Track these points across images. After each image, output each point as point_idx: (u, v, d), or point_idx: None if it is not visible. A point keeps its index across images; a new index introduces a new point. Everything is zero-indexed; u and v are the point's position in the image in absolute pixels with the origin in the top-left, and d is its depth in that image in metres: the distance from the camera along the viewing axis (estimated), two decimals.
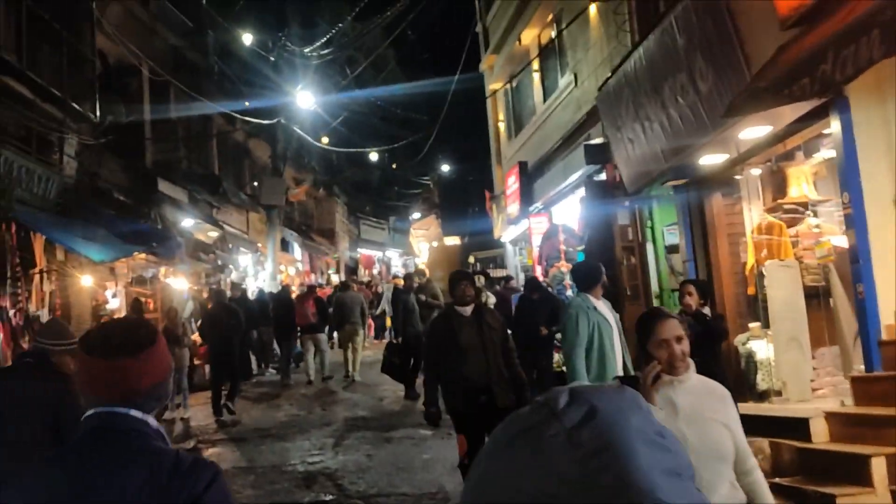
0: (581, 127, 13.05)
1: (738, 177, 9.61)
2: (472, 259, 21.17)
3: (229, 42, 23.49)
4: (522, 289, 13.42)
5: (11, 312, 12.47)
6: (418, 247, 27.77)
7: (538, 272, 15.33)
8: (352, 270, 37.34)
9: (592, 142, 12.23)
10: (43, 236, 12.72)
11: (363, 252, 39.82)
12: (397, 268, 42.18)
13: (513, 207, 15.93)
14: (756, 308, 9.62)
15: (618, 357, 6.16)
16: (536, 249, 15.04)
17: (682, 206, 10.04)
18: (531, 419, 0.88)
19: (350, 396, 12.96)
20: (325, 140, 30.06)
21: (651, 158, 9.14)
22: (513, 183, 15.77)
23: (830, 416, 6.91)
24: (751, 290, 9.68)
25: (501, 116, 18.39)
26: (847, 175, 6.95)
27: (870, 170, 6.86)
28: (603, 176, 12.18)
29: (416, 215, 32.87)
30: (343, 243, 36.10)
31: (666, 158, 8.80)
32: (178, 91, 20.71)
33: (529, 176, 15.41)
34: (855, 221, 6.90)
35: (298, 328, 15.97)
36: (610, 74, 10.05)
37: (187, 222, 18.77)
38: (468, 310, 6.20)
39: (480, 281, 21.65)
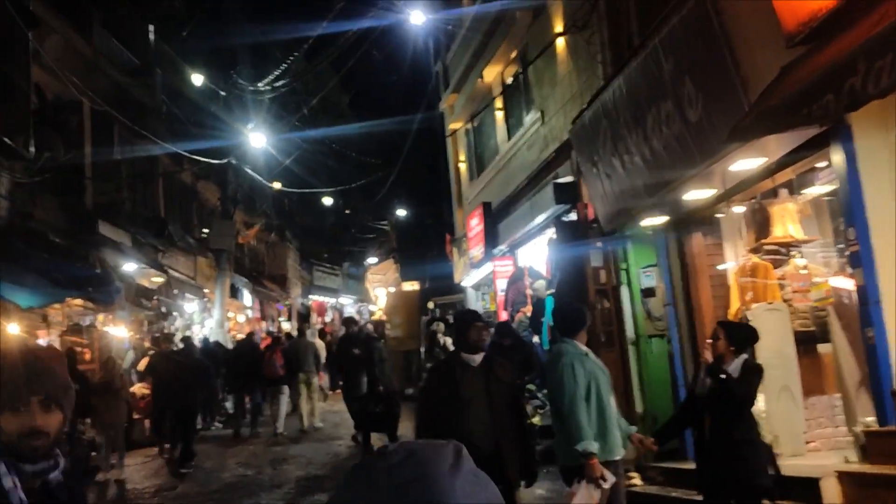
0: (548, 165, 12.48)
1: (719, 215, 9.06)
2: (431, 304, 20.34)
3: (177, 81, 22.66)
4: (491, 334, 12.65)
5: None
6: (374, 292, 26.85)
7: (503, 317, 14.61)
8: (304, 317, 36.23)
9: (562, 180, 11.65)
10: None
11: (315, 299, 38.75)
12: (352, 314, 41.15)
13: (476, 250, 15.25)
14: None
15: (614, 410, 5.43)
16: (501, 294, 14.34)
17: (661, 247, 9.44)
18: (363, 461, 0.99)
19: (303, 453, 11.99)
20: (277, 185, 29.26)
21: (631, 194, 8.53)
22: (476, 224, 15.12)
23: (844, 476, 6.22)
24: None
25: (462, 157, 17.81)
26: (852, 209, 6.37)
27: (876, 203, 6.30)
28: (573, 216, 11.56)
29: (373, 260, 32.04)
30: (296, 290, 35.03)
31: (648, 193, 8.19)
32: (122, 129, 19.75)
33: (493, 217, 14.77)
34: (862, 259, 6.30)
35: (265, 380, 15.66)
36: (585, 106, 9.48)
37: (129, 267, 17.67)
38: (477, 358, 5.20)
39: (440, 328, 20.87)
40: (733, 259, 9.27)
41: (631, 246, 10.49)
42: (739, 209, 8.82)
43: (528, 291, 13.96)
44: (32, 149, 14.40)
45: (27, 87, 14.46)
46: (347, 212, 38.57)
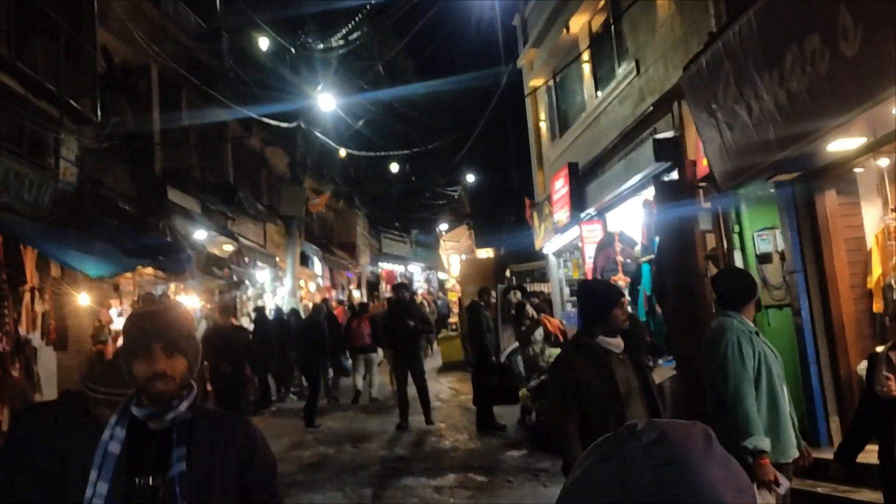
0: (645, 120, 11.40)
1: (858, 169, 7.95)
2: (508, 273, 19.46)
3: (245, 44, 22.07)
4: None
5: None
6: (448, 260, 26.07)
7: None
8: (373, 286, 35.81)
9: (662, 135, 10.58)
10: (35, 250, 11.20)
11: (384, 267, 38.25)
12: (420, 283, 40.62)
13: (560, 214, 14.27)
14: (883, 329, 7.95)
15: (787, 402, 4.48)
16: (589, 261, 13.38)
17: (785, 207, 8.34)
18: (611, 438, 0.95)
19: (385, 429, 11.29)
20: (343, 153, 28.63)
21: (759, 148, 7.45)
22: (560, 187, 14.13)
23: None
24: (877, 307, 8.00)
25: (543, 116, 16.77)
26: None
27: None
28: (675, 175, 10.52)
29: (444, 227, 31.25)
30: (364, 257, 34.52)
31: (781, 146, 7.10)
32: (190, 95, 19.27)
33: (580, 179, 13.75)
34: None
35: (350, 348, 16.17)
36: (702, 48, 8.38)
37: (200, 234, 17.21)
38: (620, 343, 4.11)
39: (517, 296, 20.03)
40: (873, 219, 8.17)
41: (745, 206, 9.43)
42: (884, 161, 7.69)
43: (619, 258, 12.98)
44: (99, 113, 13.92)
45: (93, 50, 13.93)
46: (414, 178, 37.82)
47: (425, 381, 11.97)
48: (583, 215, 13.67)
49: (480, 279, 20.59)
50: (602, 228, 13.46)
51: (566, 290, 16.38)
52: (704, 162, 9.59)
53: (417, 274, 41.84)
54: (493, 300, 12.99)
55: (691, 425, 0.96)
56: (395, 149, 30.80)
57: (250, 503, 2.35)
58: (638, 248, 12.78)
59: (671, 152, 10.41)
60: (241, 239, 19.34)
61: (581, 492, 0.93)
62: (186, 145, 18.54)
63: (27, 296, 11.19)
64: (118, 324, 14.48)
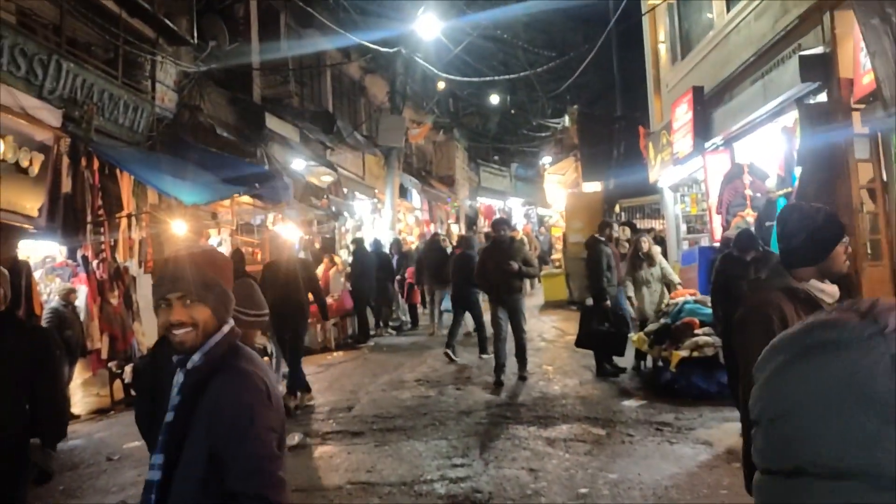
0: (787, 36, 10.07)
1: None
2: (618, 208, 18.34)
3: None
4: (724, 245, 10.70)
5: (95, 263, 10.71)
6: (552, 194, 24.94)
7: (715, 223, 12.53)
8: (472, 221, 35.11)
9: (809, 52, 9.27)
10: (131, 176, 10.85)
11: (483, 201, 37.44)
12: (520, 219, 39.69)
13: (682, 143, 13.05)
14: None
15: None
16: (713, 195, 12.22)
17: None
18: (848, 331, 0.90)
19: (490, 372, 10.58)
20: (442, 85, 27.71)
21: None
22: (684, 113, 12.89)
23: None
24: None
25: (662, 37, 15.40)
26: None
27: None
28: (823, 97, 9.23)
29: (548, 159, 30.04)
30: (463, 191, 33.78)
31: None
32: (288, 20, 18.66)
33: (705, 105, 12.49)
34: None
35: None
36: None
37: (298, 164, 16.76)
38: (835, 291, 3.03)
39: (626, 233, 18.92)
40: None
41: None
42: None
43: (748, 192, 11.78)
44: (196, 34, 13.42)
45: None
46: (513, 111, 36.58)
47: (524, 333, 10.30)
48: (707, 145, 12.43)
49: (587, 214, 19.53)
50: (729, 159, 12.22)
51: (682, 227, 15.22)
52: (866, 79, 8.32)
53: (517, 209, 40.90)
54: (615, 235, 11.76)
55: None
56: (496, 81, 29.65)
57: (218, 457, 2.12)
58: (771, 180, 11.55)
59: (819, 71, 9.13)
60: (340, 169, 18.81)
61: (815, 381, 0.89)
62: (285, 72, 17.95)
63: (124, 223, 10.89)
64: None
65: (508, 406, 8.61)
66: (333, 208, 16.87)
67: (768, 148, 11.44)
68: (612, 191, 19.48)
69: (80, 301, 10.94)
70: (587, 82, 26.50)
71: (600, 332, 10.22)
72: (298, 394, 9.15)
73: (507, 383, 9.82)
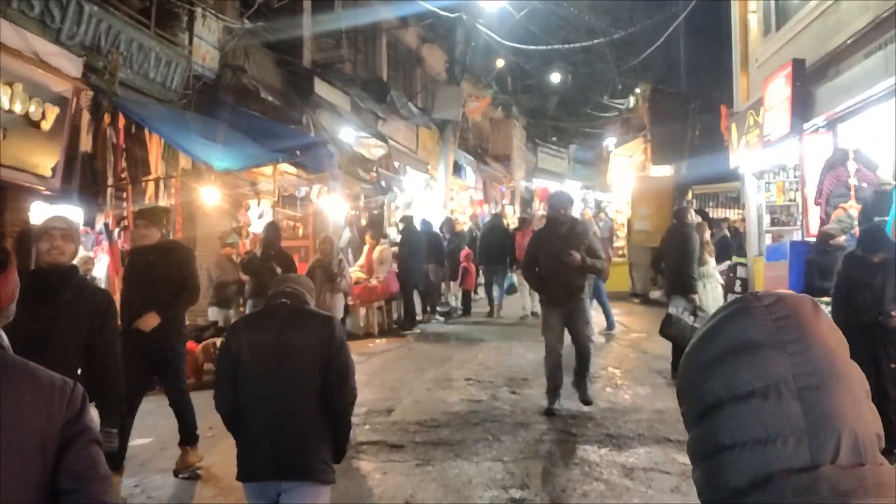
0: None
1: None
2: (690, 195, 16.86)
3: None
4: (823, 241, 9.26)
5: (116, 231, 9.72)
6: (618, 177, 23.31)
7: (811, 215, 11.06)
8: (527, 203, 33.75)
9: None
10: (161, 138, 9.80)
11: (539, 183, 35.99)
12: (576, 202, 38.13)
13: (776, 124, 11.55)
14: None
15: None
16: (813, 185, 10.74)
17: None
18: (737, 301, 1.15)
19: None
20: (501, 63, 26.32)
21: None
22: (780, 90, 11.38)
23: None
24: None
25: (753, 6, 13.85)
26: None
27: None
28: None
29: (612, 141, 28.50)
30: (519, 172, 32.39)
31: None
32: None
33: (805, 81, 11.00)
34: None
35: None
36: None
37: (347, 134, 15.62)
38: None
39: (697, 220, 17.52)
40: None
41: None
42: None
43: (853, 181, 10.29)
44: None
45: None
46: (573, 92, 34.94)
47: (591, 344, 8.02)
48: (806, 126, 10.94)
49: (655, 201, 18.12)
50: (832, 143, 10.72)
51: (766, 218, 13.71)
52: None
53: (574, 192, 39.36)
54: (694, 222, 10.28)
55: (801, 295, 1.16)
56: (558, 55, 28.16)
57: None
58: (882, 169, 10.07)
59: None
60: (391, 142, 17.63)
61: (713, 341, 1.12)
62: (337, 36, 16.78)
63: (150, 187, 9.87)
64: (257, 226, 13.19)
65: (573, 419, 7.36)
66: (383, 183, 15.69)
67: (881, 131, 9.94)
68: (684, 176, 17.99)
69: (101, 272, 9.99)
70: (651, 64, 25.08)
71: (688, 325, 8.61)
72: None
73: (569, 385, 8.46)
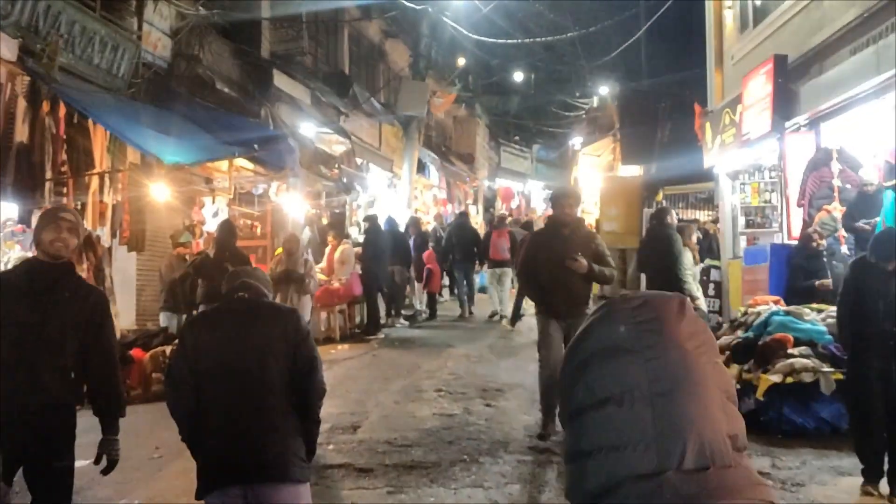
0: None
1: None
2: (660, 195, 16.46)
3: None
4: (805, 244, 8.86)
5: None
6: (585, 178, 22.73)
7: (793, 216, 10.69)
8: (490, 202, 33.29)
9: None
10: (106, 129, 9.03)
11: (502, 183, 35.53)
12: (537, 203, 37.90)
13: (755, 122, 11.14)
14: None
15: None
16: (795, 185, 10.35)
17: None
18: (606, 304, 1.22)
19: (523, 379, 8.77)
20: (461, 62, 25.73)
21: None
22: (760, 86, 10.98)
23: None
24: None
25: (729, 3, 13.47)
26: None
27: None
28: None
29: (578, 140, 28.10)
30: (482, 171, 31.89)
31: None
32: None
33: (787, 77, 10.61)
34: None
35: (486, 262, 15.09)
36: None
37: (307, 129, 14.92)
38: None
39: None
40: None
41: None
42: None
43: (836, 182, 9.94)
44: None
45: None
46: (535, 91, 34.47)
47: None
48: (788, 124, 10.54)
49: (624, 201, 17.71)
50: (815, 143, 10.35)
51: (741, 220, 13.34)
52: None
53: (536, 192, 39.05)
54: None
55: (670, 296, 1.20)
56: (522, 53, 27.73)
57: None
58: (865, 170, 9.74)
59: None
60: (353, 138, 16.96)
61: (581, 345, 1.16)
62: (297, 26, 16.07)
63: (94, 182, 9.09)
64: (212, 225, 12.45)
65: (556, 436, 6.79)
66: (345, 180, 15.02)
67: (866, 130, 9.59)
68: (654, 176, 17.59)
69: None
70: (617, 63, 24.85)
71: None
72: None
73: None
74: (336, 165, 14.29)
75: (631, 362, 1.08)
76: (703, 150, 14.08)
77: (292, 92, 15.05)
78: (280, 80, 14.66)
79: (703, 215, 17.26)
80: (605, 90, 27.81)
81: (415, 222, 15.78)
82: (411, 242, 14.91)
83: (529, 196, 37.83)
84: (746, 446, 1.11)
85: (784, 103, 10.55)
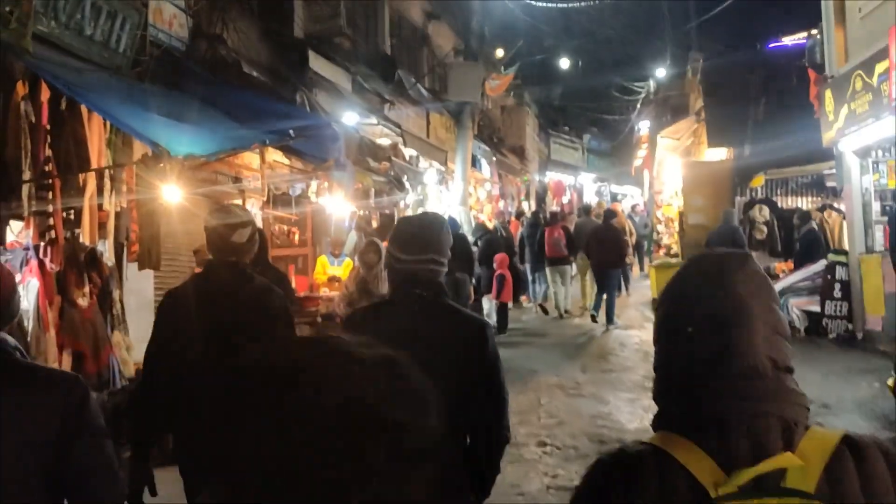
0: None
1: None
2: (760, 180, 14.12)
3: None
4: None
5: (41, 246, 7.05)
6: (662, 165, 20.36)
7: None
8: (541, 198, 31.12)
9: None
10: (104, 118, 7.10)
11: (553, 176, 33.31)
12: (589, 196, 35.67)
13: None
14: None
15: None
16: None
17: None
18: (687, 259, 1.69)
19: (646, 406, 6.69)
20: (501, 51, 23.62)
21: None
22: None
23: None
24: None
25: None
26: None
27: None
28: None
29: (645, 124, 25.85)
30: (532, 164, 29.71)
31: None
32: None
33: None
34: None
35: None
36: None
37: (350, 118, 12.90)
38: None
39: (763, 214, 14.92)
40: None
41: None
42: None
43: None
44: None
45: None
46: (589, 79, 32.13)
47: None
48: None
49: (711, 189, 15.48)
50: None
51: (874, 206, 11.07)
52: None
53: (588, 185, 36.82)
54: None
55: (732, 252, 1.50)
56: (572, 36, 25.65)
57: None
58: None
59: None
60: (403, 129, 14.91)
61: (669, 288, 1.48)
62: (334, 3, 14.08)
63: (91, 184, 7.17)
64: (239, 235, 10.50)
65: None
66: (392, 173, 12.91)
67: None
68: (748, 159, 15.29)
69: (31, 301, 7.30)
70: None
71: None
72: None
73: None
74: (386, 156, 12.24)
75: (698, 302, 1.37)
76: (822, 125, 11.82)
77: (332, 77, 13.10)
78: (317, 63, 12.72)
79: (805, 203, 14.94)
80: (661, 72, 25.66)
81: (480, 226, 13.85)
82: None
83: (581, 189, 35.59)
84: (791, 369, 1.34)
85: None
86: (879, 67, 9.77)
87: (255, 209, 10.94)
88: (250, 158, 10.00)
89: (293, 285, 10.30)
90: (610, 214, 14.16)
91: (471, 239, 13.03)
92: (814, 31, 13.38)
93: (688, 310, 1.36)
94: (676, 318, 1.38)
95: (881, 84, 9.75)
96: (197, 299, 3.44)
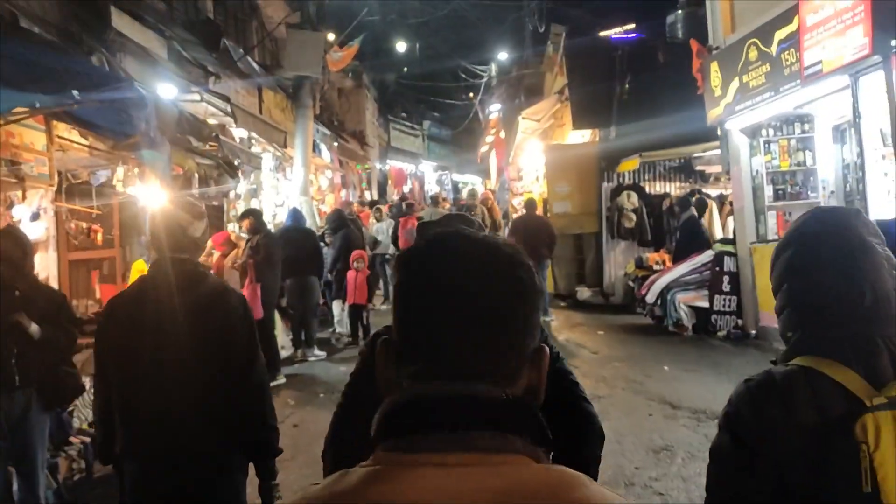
0: None
1: None
2: (634, 163, 12.98)
3: None
4: None
5: None
6: (521, 149, 18.99)
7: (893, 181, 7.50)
8: (381, 186, 29.47)
9: None
10: None
11: (393, 164, 31.70)
12: (430, 186, 34.44)
13: (833, 47, 7.84)
14: None
15: None
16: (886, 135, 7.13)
17: None
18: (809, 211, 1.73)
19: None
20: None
21: None
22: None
23: None
24: None
25: None
26: None
27: None
28: None
29: (495, 107, 24.61)
30: (373, 151, 27.94)
31: None
32: None
33: None
34: None
35: None
36: None
37: (167, 90, 10.59)
38: None
39: (632, 201, 14.10)
40: None
41: None
42: None
43: None
44: None
45: None
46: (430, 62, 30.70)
47: None
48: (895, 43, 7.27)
49: (576, 174, 14.33)
50: None
51: (767, 191, 10.12)
52: None
53: (429, 174, 35.50)
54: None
55: (845, 209, 1.71)
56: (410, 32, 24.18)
57: None
58: None
59: None
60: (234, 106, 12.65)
61: (786, 237, 1.68)
62: None
63: None
64: (34, 230, 8.07)
65: None
66: (220, 155, 10.67)
67: None
68: (614, 141, 14.23)
69: None
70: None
71: None
72: None
73: None
74: (213, 134, 10.03)
75: (826, 240, 1.56)
76: (707, 101, 10.78)
77: (142, 40, 10.78)
78: (122, 23, 10.36)
79: (673, 188, 14.07)
80: (506, 53, 24.71)
81: (338, 216, 11.71)
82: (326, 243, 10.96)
83: (423, 178, 34.22)
84: None
85: (886, 15, 7.26)
86: (780, 34, 8.73)
87: (42, 202, 8.61)
88: (33, 137, 7.74)
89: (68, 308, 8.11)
90: (532, 204, 12.45)
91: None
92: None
93: (814, 249, 1.55)
94: (803, 257, 1.55)
95: (782, 53, 8.71)
96: (147, 303, 3.09)
